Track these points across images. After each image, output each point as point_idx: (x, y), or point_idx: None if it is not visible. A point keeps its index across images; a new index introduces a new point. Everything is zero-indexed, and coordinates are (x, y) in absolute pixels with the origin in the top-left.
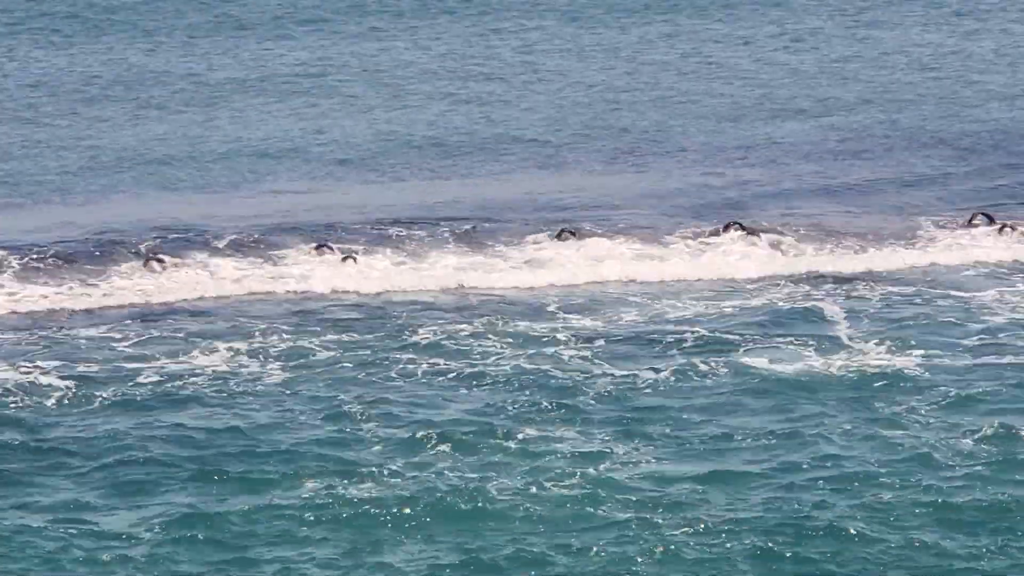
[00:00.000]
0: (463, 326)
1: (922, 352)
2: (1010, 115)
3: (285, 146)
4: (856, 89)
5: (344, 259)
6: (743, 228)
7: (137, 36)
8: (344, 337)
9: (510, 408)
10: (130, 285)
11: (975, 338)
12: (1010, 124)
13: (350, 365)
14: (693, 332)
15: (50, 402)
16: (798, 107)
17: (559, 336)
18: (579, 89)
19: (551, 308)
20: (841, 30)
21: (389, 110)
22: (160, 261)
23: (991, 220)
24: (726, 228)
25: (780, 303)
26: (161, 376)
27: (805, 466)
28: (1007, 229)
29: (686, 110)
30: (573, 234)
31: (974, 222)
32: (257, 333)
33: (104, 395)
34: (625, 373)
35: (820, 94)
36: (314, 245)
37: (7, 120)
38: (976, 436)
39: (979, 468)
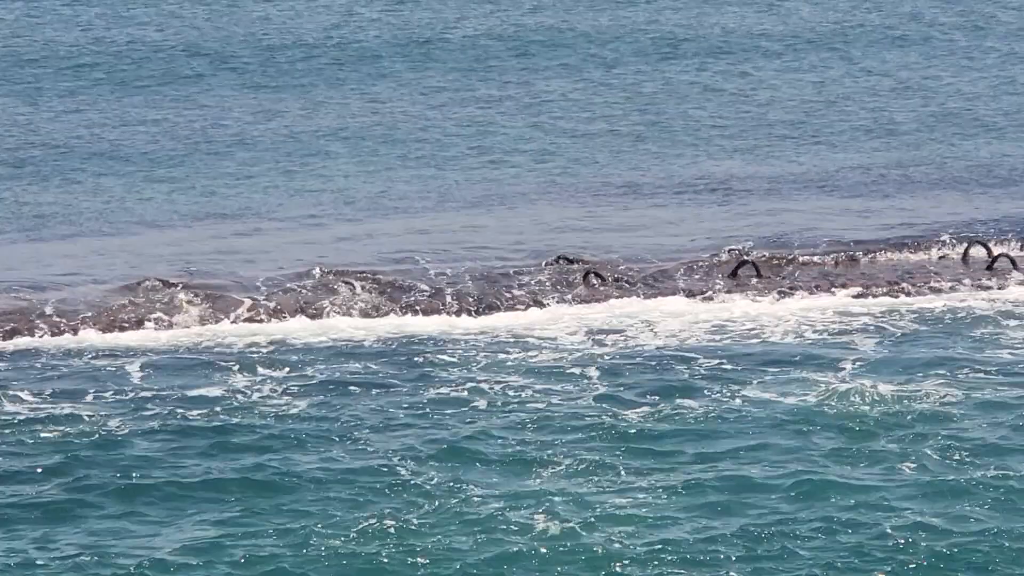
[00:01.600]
0: (476, 357)
1: (931, 387)
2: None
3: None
4: (859, 122)
5: (339, 282)
6: (742, 255)
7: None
8: (353, 366)
9: (522, 438)
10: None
11: (984, 371)
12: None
13: (361, 396)
14: (699, 367)
15: (66, 430)
16: (801, 138)
17: (575, 366)
18: (582, 120)
19: (565, 338)
20: (842, 62)
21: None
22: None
23: (988, 249)
24: (719, 255)
25: (780, 337)
26: (179, 405)
27: (824, 501)
28: (1004, 259)
29: (693, 140)
30: (571, 261)
31: (970, 252)
32: (262, 364)
33: (118, 425)
34: (636, 404)
35: (822, 125)
36: (317, 273)
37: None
38: (993, 469)
39: (996, 501)
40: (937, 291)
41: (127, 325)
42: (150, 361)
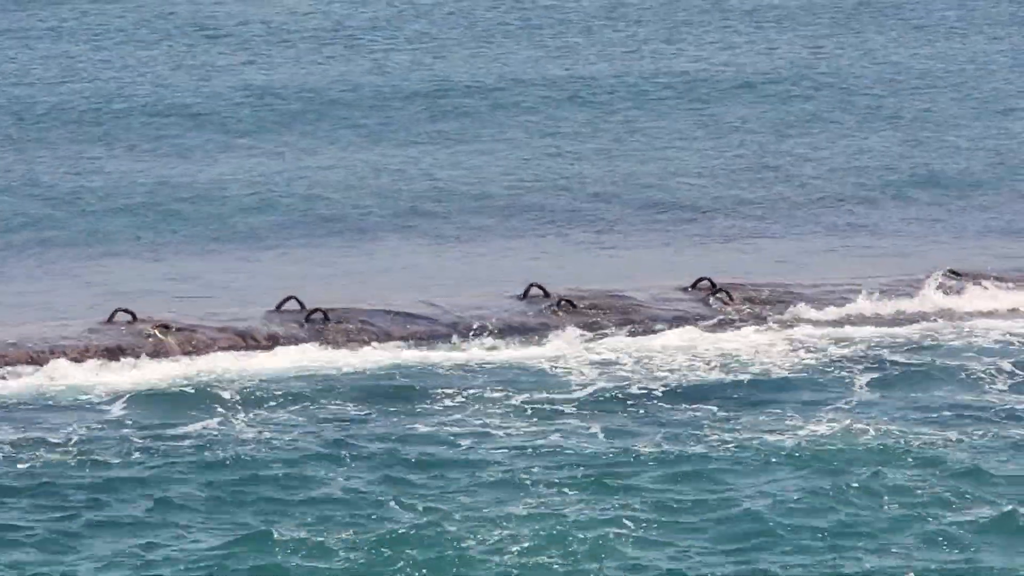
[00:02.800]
0: (461, 391)
1: (900, 422)
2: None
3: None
4: (819, 145)
5: (311, 313)
6: (713, 285)
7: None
8: (339, 401)
9: (510, 472)
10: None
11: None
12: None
13: (345, 428)
14: (690, 402)
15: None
16: (762, 163)
17: (566, 403)
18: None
19: (551, 371)
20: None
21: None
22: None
23: (958, 277)
24: (695, 285)
25: (767, 371)
26: (157, 446)
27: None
28: (977, 285)
29: (652, 168)
30: (542, 289)
31: (939, 280)
32: (242, 399)
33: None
34: (626, 438)
35: (782, 149)
36: (277, 303)
37: None
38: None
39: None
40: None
41: (100, 361)
42: (126, 400)
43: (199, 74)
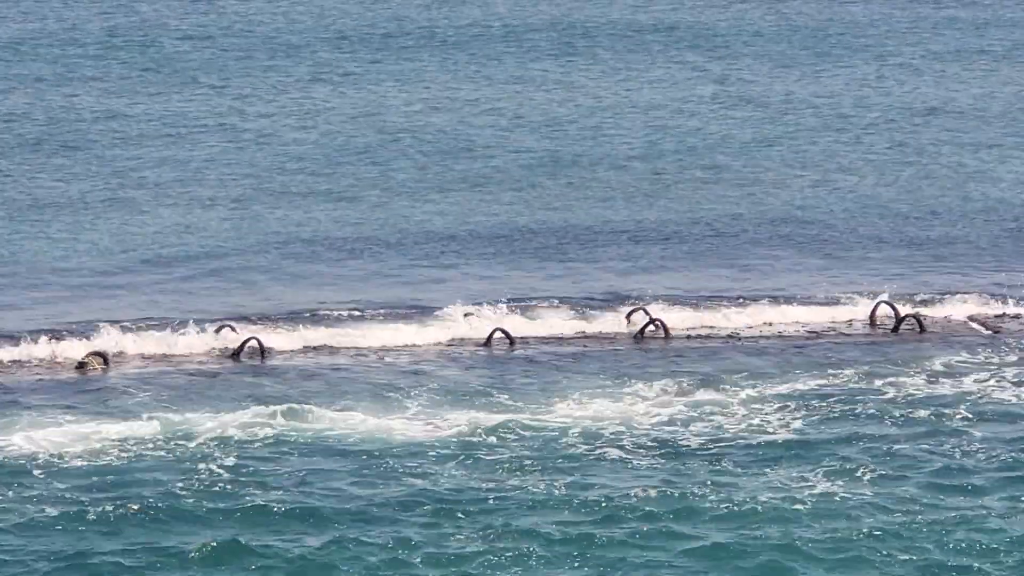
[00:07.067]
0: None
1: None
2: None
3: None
4: (764, 171)
5: (247, 342)
6: (648, 316)
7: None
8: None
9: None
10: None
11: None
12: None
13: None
14: (642, 456)
15: None
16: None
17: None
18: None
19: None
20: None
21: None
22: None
23: (895, 310)
24: (629, 316)
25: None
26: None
27: None
28: (910, 319)
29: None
30: (509, 337)
31: (877, 313)
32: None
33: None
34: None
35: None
36: (215, 328)
37: None
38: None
39: None
40: (841, 359)
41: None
42: (59, 463)
43: None
